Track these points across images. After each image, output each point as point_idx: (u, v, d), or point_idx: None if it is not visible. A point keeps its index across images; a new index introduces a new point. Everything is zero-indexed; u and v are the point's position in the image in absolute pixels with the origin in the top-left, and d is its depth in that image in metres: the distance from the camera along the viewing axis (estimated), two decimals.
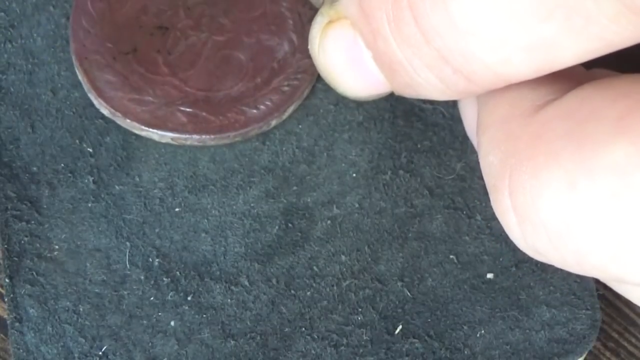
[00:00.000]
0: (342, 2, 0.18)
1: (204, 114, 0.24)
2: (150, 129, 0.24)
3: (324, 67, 0.19)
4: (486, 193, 0.18)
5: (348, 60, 0.19)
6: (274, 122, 0.24)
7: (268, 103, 0.24)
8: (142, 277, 0.23)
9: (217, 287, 0.23)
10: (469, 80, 0.17)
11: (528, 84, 0.18)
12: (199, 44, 0.25)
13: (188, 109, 0.24)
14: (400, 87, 0.18)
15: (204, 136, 0.24)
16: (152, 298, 0.22)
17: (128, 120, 0.24)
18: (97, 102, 0.24)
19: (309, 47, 0.19)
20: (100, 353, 0.22)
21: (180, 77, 0.24)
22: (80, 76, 0.24)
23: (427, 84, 0.18)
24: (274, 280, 0.23)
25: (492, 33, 0.16)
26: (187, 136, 0.24)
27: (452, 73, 0.17)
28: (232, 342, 0.22)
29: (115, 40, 0.25)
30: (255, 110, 0.24)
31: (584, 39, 0.15)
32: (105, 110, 0.24)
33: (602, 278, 0.17)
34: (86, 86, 0.24)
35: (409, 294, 0.23)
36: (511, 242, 0.18)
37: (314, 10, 0.25)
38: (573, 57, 0.16)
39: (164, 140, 0.24)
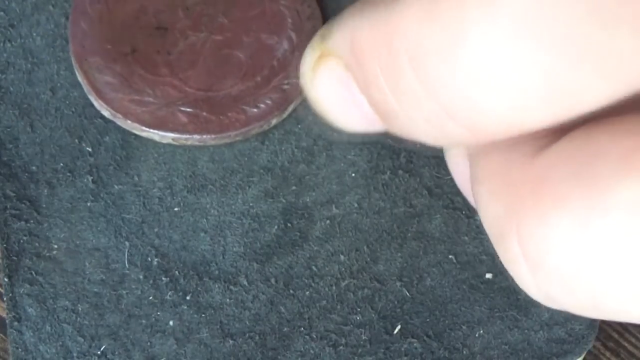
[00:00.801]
0: (333, 37, 0.18)
1: (204, 113, 0.24)
2: (151, 130, 0.24)
3: (317, 104, 0.19)
4: None
5: (341, 99, 0.18)
6: (274, 121, 0.24)
7: (268, 102, 0.24)
8: (141, 277, 0.23)
9: (216, 286, 0.23)
10: (472, 134, 0.17)
11: None
12: (198, 44, 0.25)
13: (188, 109, 0.24)
14: (396, 131, 0.18)
15: (204, 136, 0.24)
16: (150, 297, 0.22)
17: (129, 122, 0.24)
18: (98, 104, 0.24)
19: (301, 81, 0.19)
20: (99, 352, 0.22)
21: (180, 77, 0.24)
22: (80, 78, 0.24)
23: (426, 135, 0.17)
24: (272, 280, 0.23)
25: (509, 84, 0.15)
26: (188, 136, 0.24)
27: (454, 128, 0.17)
28: (231, 341, 0.22)
29: (114, 41, 0.25)
30: (255, 109, 0.24)
31: (612, 83, 0.15)
32: (105, 112, 0.24)
33: (623, 320, 0.17)
34: (86, 88, 0.24)
35: (407, 293, 0.23)
36: None
37: (312, 8, 0.25)
38: (597, 103, 0.15)
39: (164, 141, 0.24)
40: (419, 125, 0.17)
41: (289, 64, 0.25)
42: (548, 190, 0.16)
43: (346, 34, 0.17)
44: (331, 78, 0.18)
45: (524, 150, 0.17)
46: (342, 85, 0.18)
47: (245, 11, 0.25)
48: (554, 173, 0.16)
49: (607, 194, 0.15)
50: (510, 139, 0.18)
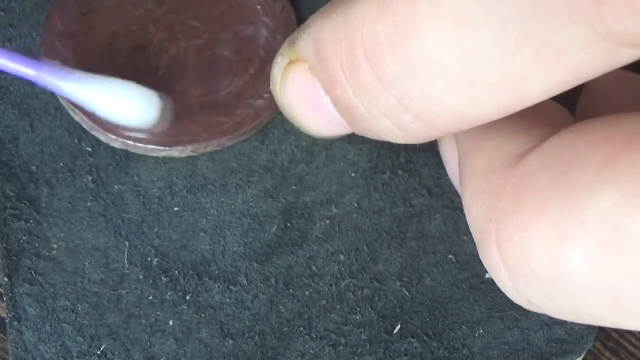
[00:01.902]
0: (299, 44, 0.18)
1: (214, 118, 0.24)
2: (168, 148, 0.23)
3: (286, 108, 0.19)
4: None
5: (309, 103, 0.18)
6: None
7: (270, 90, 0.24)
8: (141, 277, 0.23)
9: (216, 286, 0.23)
10: (429, 128, 0.17)
11: (506, 132, 0.18)
12: (181, 53, 0.25)
13: (198, 118, 0.24)
14: (361, 131, 0.18)
15: (222, 139, 0.24)
16: (150, 297, 0.22)
17: (143, 145, 0.23)
18: (106, 138, 0.23)
19: (271, 87, 0.19)
20: (99, 352, 0.22)
21: (177, 90, 0.24)
22: (79, 117, 0.24)
23: (387, 130, 0.17)
24: (272, 280, 0.23)
25: (457, 74, 0.15)
26: (206, 144, 0.24)
27: (411, 121, 0.17)
28: (231, 341, 0.22)
29: (98, 71, 0.23)
30: (261, 100, 0.24)
31: (554, 71, 0.15)
32: (116, 143, 0.23)
33: (602, 325, 0.17)
34: (88, 125, 0.24)
35: (407, 293, 0.23)
36: None
37: None
38: (542, 93, 0.15)
39: (184, 155, 0.24)
40: (379, 122, 0.17)
41: (275, 49, 0.25)
42: (527, 199, 0.16)
43: (311, 38, 0.18)
44: (298, 83, 0.18)
45: (507, 154, 0.17)
46: (308, 89, 0.18)
47: (214, 9, 0.25)
48: (533, 181, 0.16)
49: (583, 207, 0.15)
50: (494, 142, 0.18)
